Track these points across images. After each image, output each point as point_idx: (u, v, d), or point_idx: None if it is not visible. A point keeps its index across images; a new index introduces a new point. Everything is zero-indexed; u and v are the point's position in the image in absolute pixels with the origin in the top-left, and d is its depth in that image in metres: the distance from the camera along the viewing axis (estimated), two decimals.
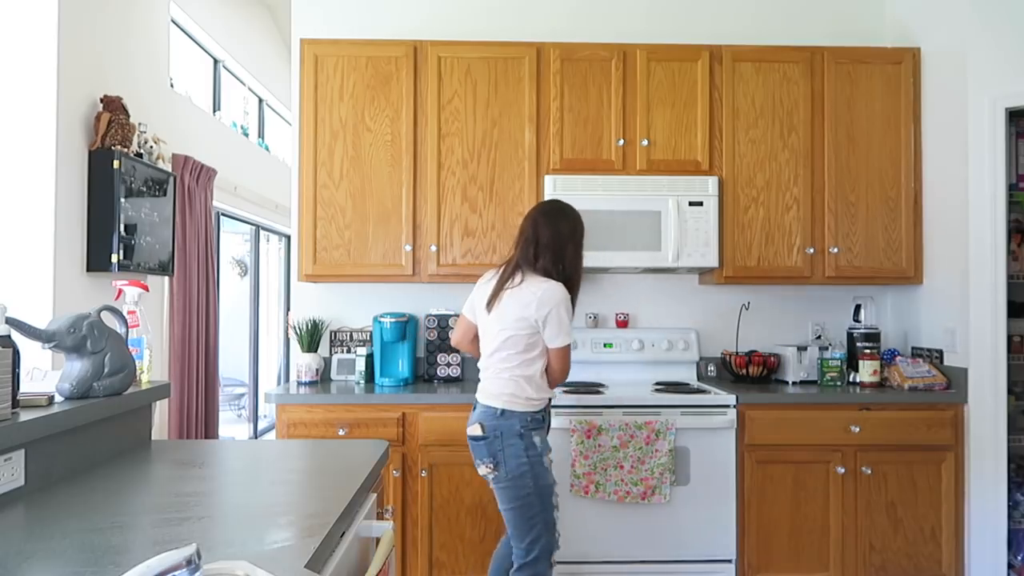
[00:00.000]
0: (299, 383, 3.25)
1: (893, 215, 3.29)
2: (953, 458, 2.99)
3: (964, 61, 3.05)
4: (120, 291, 1.99)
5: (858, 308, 3.46)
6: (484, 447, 2.31)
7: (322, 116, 3.20)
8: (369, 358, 3.31)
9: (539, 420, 2.33)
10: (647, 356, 3.44)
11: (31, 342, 1.52)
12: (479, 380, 2.43)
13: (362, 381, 3.26)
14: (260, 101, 6.90)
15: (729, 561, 2.91)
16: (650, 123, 3.24)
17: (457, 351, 3.46)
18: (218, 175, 5.03)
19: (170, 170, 4.30)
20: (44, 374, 1.82)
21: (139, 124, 3.90)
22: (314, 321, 3.39)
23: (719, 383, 3.33)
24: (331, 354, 3.50)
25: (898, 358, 3.24)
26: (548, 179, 3.16)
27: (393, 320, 3.30)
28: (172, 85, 4.68)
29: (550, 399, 2.43)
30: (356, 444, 1.92)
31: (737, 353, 3.42)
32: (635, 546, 2.89)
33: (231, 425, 6.55)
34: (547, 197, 3.15)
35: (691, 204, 3.17)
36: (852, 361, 3.34)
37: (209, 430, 4.86)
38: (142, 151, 3.91)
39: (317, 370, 3.30)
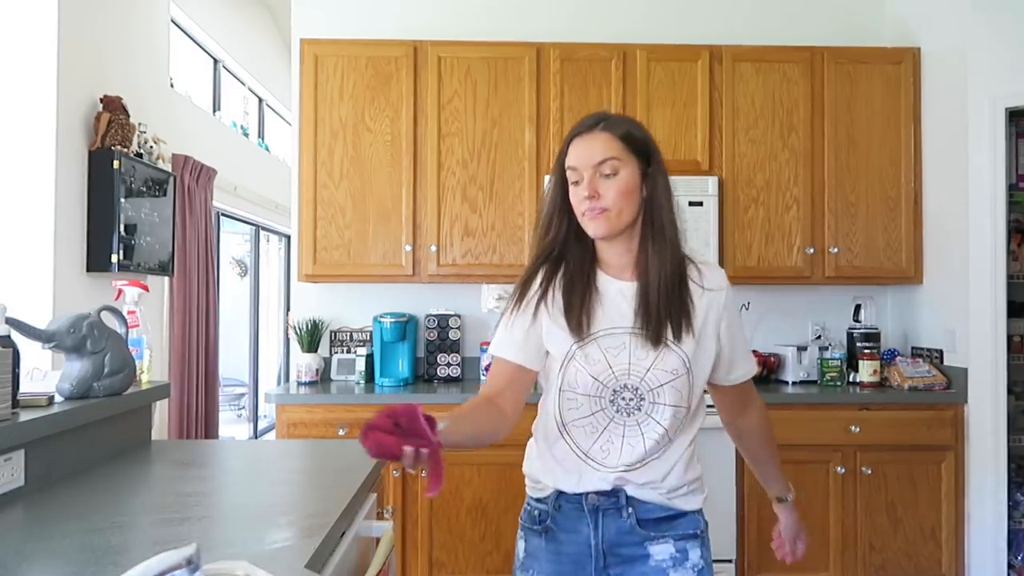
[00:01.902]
0: (299, 383, 3.25)
1: (893, 215, 3.29)
2: (953, 458, 2.99)
3: (964, 61, 3.05)
4: (120, 291, 1.99)
5: (858, 308, 3.46)
6: None
7: (322, 116, 3.20)
8: (369, 358, 3.31)
9: (534, 518, 1.41)
10: None
11: (31, 342, 1.52)
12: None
13: (362, 381, 3.26)
14: (260, 101, 6.90)
15: (729, 561, 2.91)
16: (650, 123, 3.23)
17: (457, 351, 3.45)
18: (218, 175, 5.03)
19: (170, 170, 4.30)
20: (44, 374, 1.82)
21: (139, 124, 3.90)
22: (314, 321, 3.39)
23: None
24: (331, 354, 3.50)
25: (898, 358, 3.24)
26: (548, 179, 3.16)
27: (393, 320, 3.30)
28: (172, 85, 4.68)
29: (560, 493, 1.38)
30: (356, 444, 1.92)
31: None
32: None
33: (231, 425, 6.55)
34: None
35: (691, 204, 3.17)
36: (852, 361, 3.34)
37: (209, 430, 4.86)
38: (142, 151, 3.91)
39: (317, 370, 3.30)
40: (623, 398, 1.33)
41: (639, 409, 1.33)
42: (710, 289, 1.36)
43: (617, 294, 1.35)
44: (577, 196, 1.33)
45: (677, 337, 1.32)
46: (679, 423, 1.36)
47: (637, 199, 1.33)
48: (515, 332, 1.36)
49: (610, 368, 1.32)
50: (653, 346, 1.31)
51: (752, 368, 1.46)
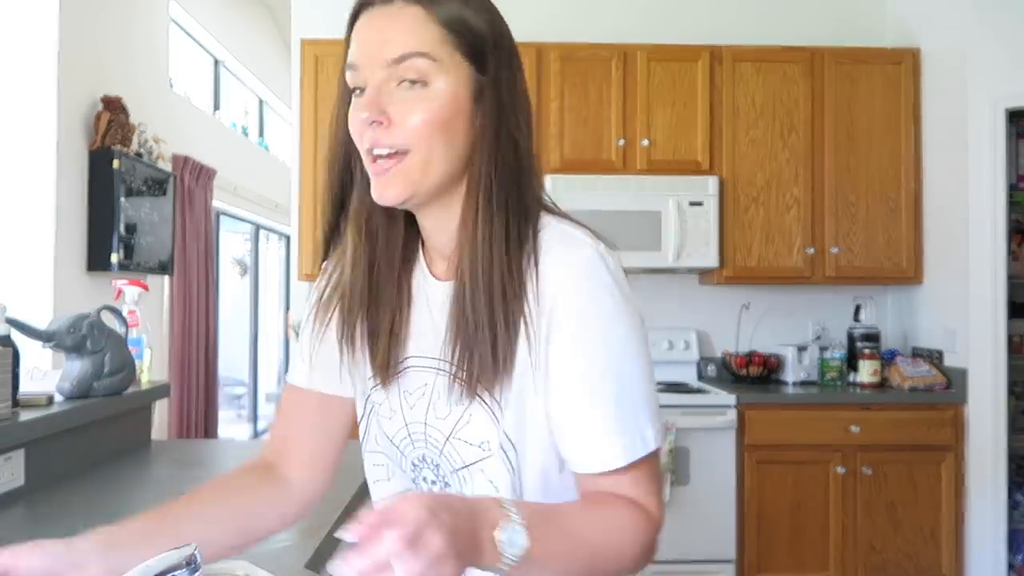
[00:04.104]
0: None
1: (893, 215, 3.29)
2: (953, 458, 2.99)
3: (964, 61, 3.05)
4: (120, 291, 1.99)
5: (858, 308, 3.46)
6: None
7: (322, 116, 3.20)
8: None
9: None
10: None
11: (31, 342, 1.52)
12: None
13: None
14: (260, 101, 6.90)
15: (729, 561, 2.91)
16: (650, 123, 3.23)
17: None
18: (218, 175, 5.03)
19: (170, 170, 4.30)
20: (44, 374, 1.82)
21: (139, 124, 3.90)
22: None
23: (719, 383, 3.32)
24: None
25: (898, 358, 3.24)
26: (548, 179, 3.16)
27: None
28: (172, 85, 4.68)
29: None
30: (356, 444, 1.92)
31: (737, 353, 3.42)
32: None
33: (231, 425, 6.55)
34: (548, 197, 3.15)
35: (691, 204, 3.17)
36: (852, 361, 3.34)
37: (209, 430, 4.86)
38: (142, 151, 3.91)
39: None
40: (424, 479, 0.82)
41: None
42: (545, 289, 0.76)
43: (430, 301, 0.82)
44: (356, 120, 0.75)
45: (485, 381, 0.75)
46: None
47: (463, 133, 0.75)
48: (307, 348, 0.88)
49: (406, 426, 0.82)
50: (459, 395, 0.77)
51: (618, 455, 0.73)
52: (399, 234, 0.82)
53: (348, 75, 0.76)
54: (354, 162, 0.79)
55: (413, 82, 0.72)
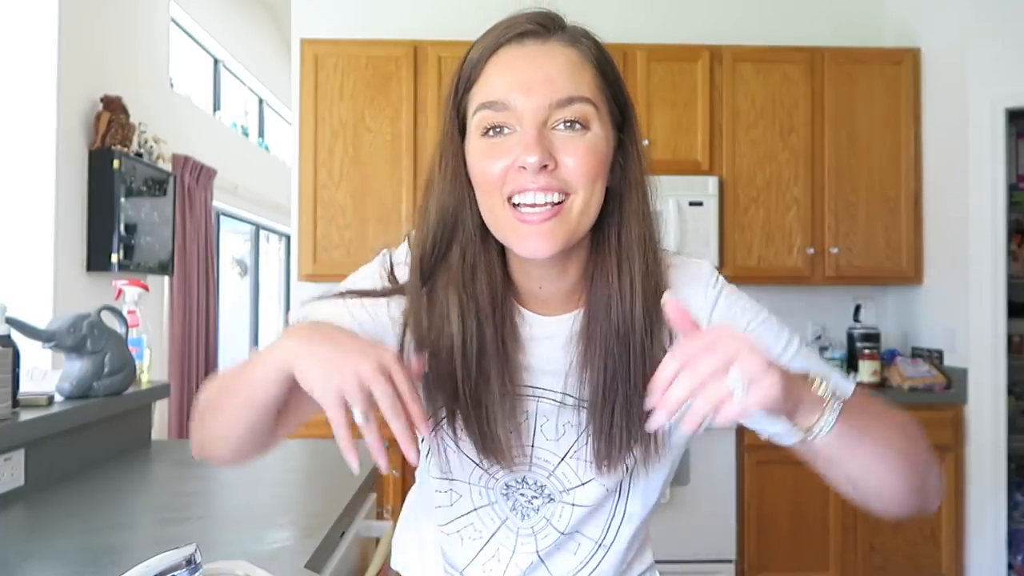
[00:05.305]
0: None
1: (893, 215, 3.29)
2: (953, 458, 2.99)
3: (964, 61, 3.05)
4: (120, 291, 1.99)
5: (858, 308, 3.46)
6: None
7: (322, 116, 3.20)
8: None
9: None
10: None
11: (31, 342, 1.52)
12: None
13: None
14: (260, 101, 6.90)
15: (729, 561, 2.91)
16: (650, 123, 3.23)
17: None
18: (218, 175, 5.03)
19: (170, 170, 4.30)
20: (44, 374, 1.82)
21: (139, 124, 3.90)
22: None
23: None
24: None
25: (898, 358, 3.24)
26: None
27: None
28: (172, 85, 4.68)
29: None
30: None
31: None
32: None
33: None
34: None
35: (691, 204, 3.17)
36: (852, 361, 3.34)
37: None
38: (142, 151, 3.91)
39: None
40: (522, 495, 0.83)
41: (537, 511, 0.83)
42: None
43: (529, 336, 0.80)
44: (497, 161, 0.71)
45: (637, 414, 0.75)
46: (616, 530, 0.85)
47: (605, 183, 0.74)
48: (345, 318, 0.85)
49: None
50: (578, 424, 0.79)
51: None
52: (495, 268, 0.78)
53: (486, 113, 0.73)
54: (470, 203, 0.76)
55: (571, 124, 0.71)
